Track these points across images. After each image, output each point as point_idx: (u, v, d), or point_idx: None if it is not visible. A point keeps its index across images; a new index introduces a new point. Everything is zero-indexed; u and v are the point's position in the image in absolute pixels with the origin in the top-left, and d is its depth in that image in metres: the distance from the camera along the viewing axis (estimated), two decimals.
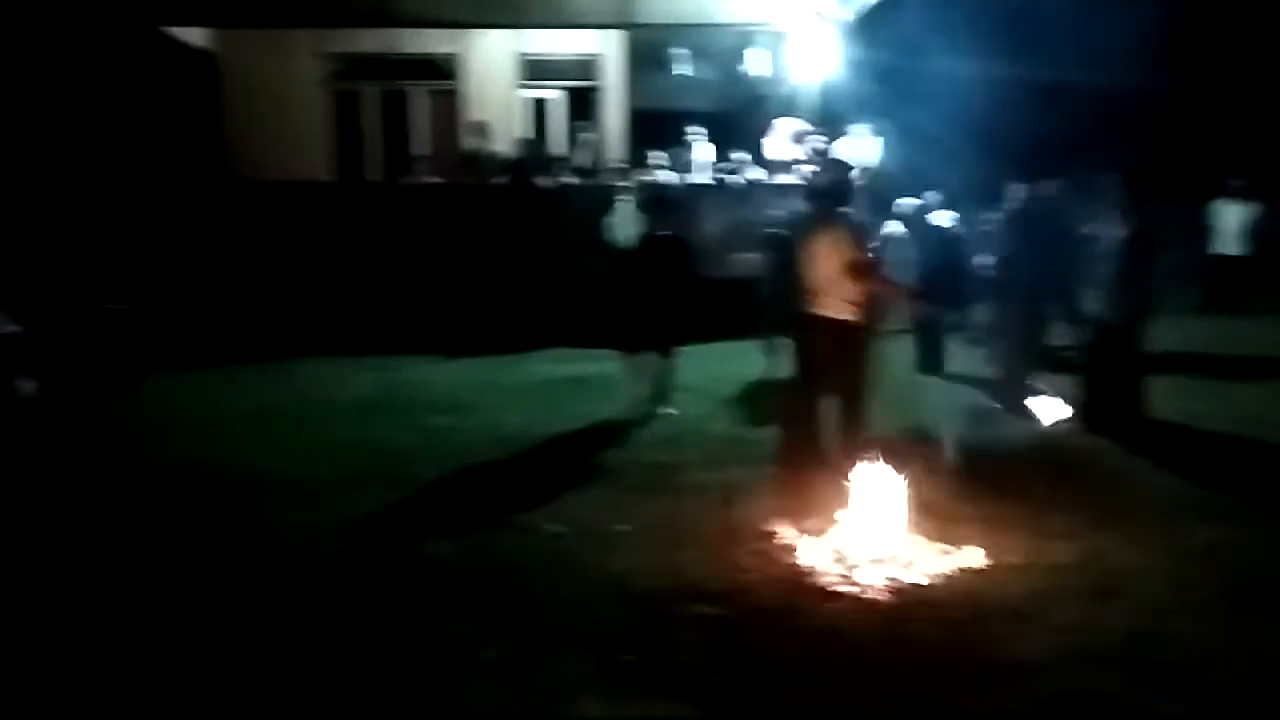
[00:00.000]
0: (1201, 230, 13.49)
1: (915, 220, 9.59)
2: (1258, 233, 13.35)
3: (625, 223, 11.12)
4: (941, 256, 9.19)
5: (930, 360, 9.23)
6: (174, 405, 8.45)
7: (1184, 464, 6.30)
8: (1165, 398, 7.38)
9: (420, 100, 13.53)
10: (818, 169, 6.34)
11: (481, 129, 12.31)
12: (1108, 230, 6.92)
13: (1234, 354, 10.22)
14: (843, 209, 5.82)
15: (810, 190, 5.83)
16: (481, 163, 11.99)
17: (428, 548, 5.12)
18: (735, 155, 12.34)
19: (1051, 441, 6.82)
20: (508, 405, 8.39)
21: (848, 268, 5.53)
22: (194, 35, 12.92)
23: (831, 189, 5.80)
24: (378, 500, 5.88)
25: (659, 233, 8.09)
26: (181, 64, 12.79)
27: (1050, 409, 7.45)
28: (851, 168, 6.29)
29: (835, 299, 5.57)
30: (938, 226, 9.79)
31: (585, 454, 6.84)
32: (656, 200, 8.45)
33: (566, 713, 3.59)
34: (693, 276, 8.02)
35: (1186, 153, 12.16)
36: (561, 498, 5.85)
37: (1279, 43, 15.81)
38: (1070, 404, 7.33)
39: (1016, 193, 8.01)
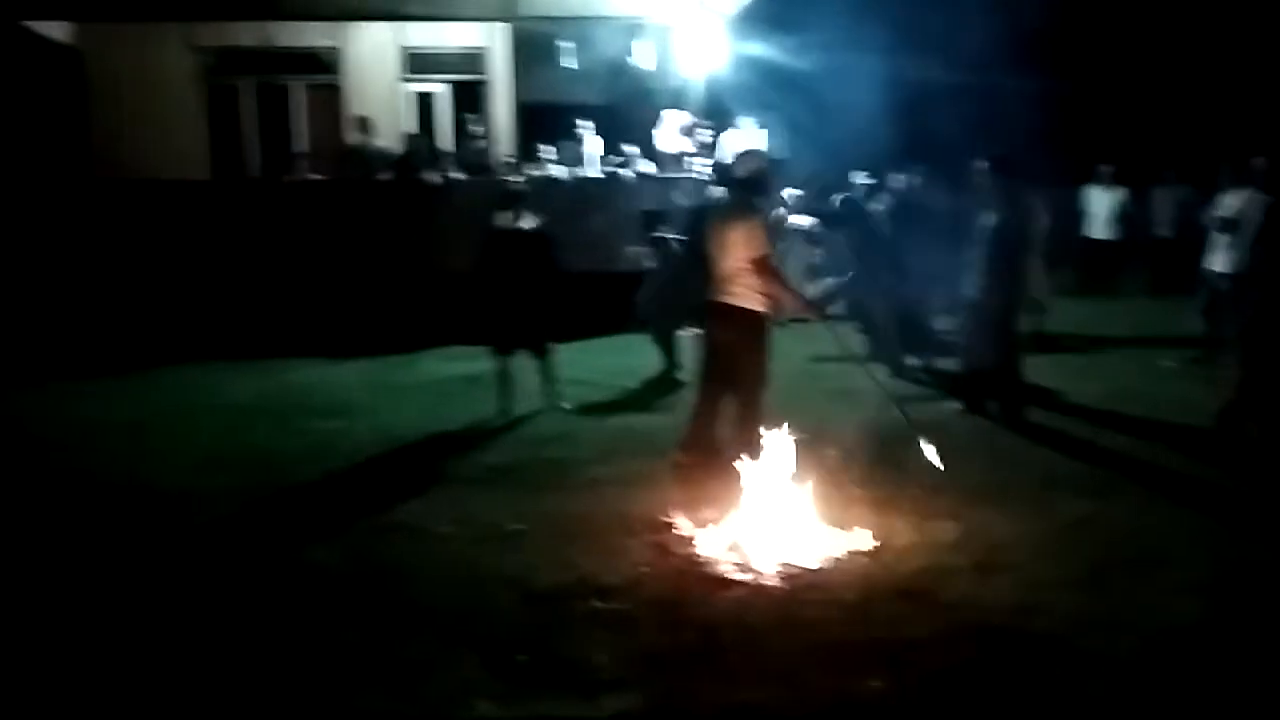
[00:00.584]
0: (1074, 215, 14.04)
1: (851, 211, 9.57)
2: (1126, 217, 13.98)
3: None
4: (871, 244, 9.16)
5: (879, 348, 9.15)
6: (41, 418, 8.02)
7: (1060, 440, 6.55)
8: (1041, 377, 7.65)
9: (300, 95, 13.14)
10: (738, 157, 6.24)
11: (364, 124, 12.02)
12: (980, 216, 7.14)
13: (1105, 333, 10.71)
14: (759, 200, 5.87)
15: (727, 178, 5.83)
16: (365, 158, 11.71)
17: (313, 556, 4.96)
18: (625, 148, 12.34)
19: (935, 423, 6.97)
20: (398, 406, 8.21)
21: (757, 261, 5.55)
22: (58, 31, 12.29)
23: (751, 179, 5.78)
24: (258, 510, 5.68)
25: (517, 227, 7.72)
26: (45, 61, 12.15)
27: (933, 393, 7.66)
28: (768, 159, 6.30)
29: (744, 288, 5.56)
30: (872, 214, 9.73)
31: (479, 453, 6.73)
32: (512, 193, 8.05)
33: (461, 718, 3.51)
34: (556, 272, 7.76)
35: (1059, 141, 12.61)
36: (453, 498, 5.75)
37: (1147, 40, 16.55)
38: (953, 386, 7.55)
39: (891, 181, 8.22)
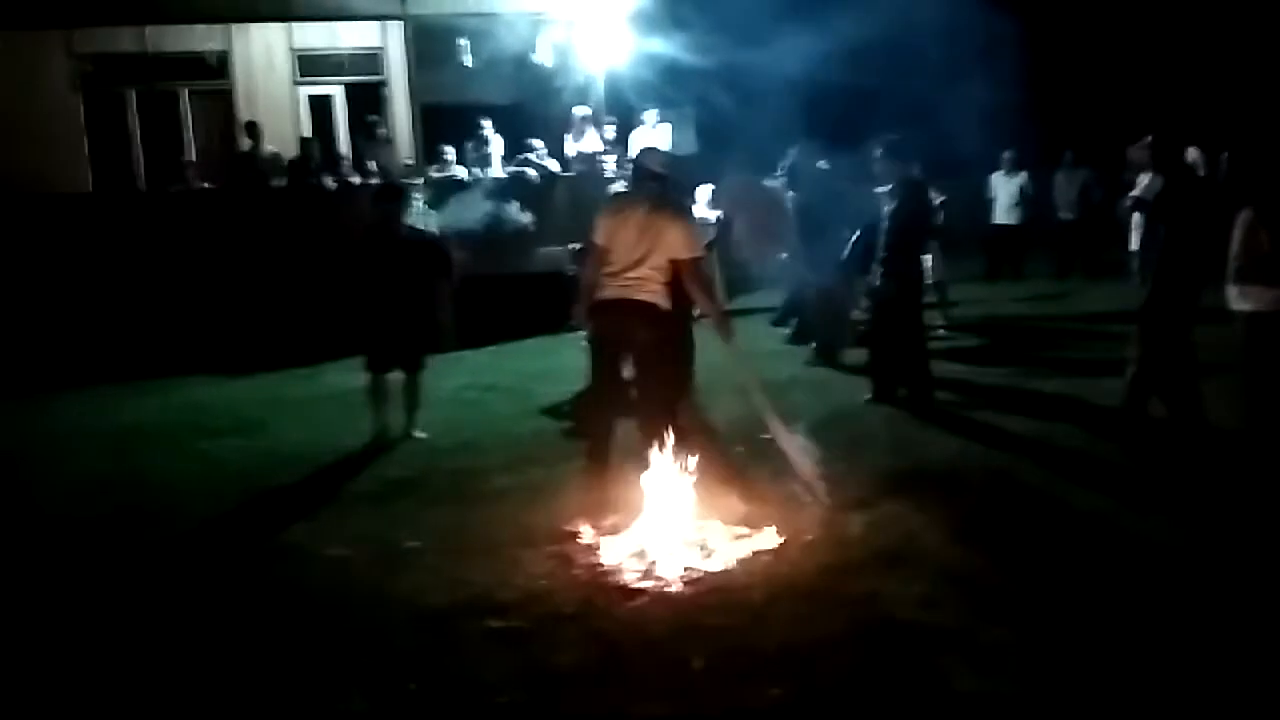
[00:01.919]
0: (980, 202, 14.22)
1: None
2: (1028, 201, 14.19)
3: (420, 215, 10.77)
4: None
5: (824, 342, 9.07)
6: None
7: (967, 426, 6.53)
8: (951, 362, 7.65)
9: (187, 101, 12.62)
10: (646, 152, 6.03)
11: (252, 129, 11.59)
12: (881, 203, 7.11)
13: (1010, 316, 10.84)
14: (679, 196, 5.69)
15: (645, 172, 5.54)
16: (256, 165, 11.29)
17: (194, 582, 4.67)
18: (532, 147, 12.12)
19: (845, 413, 6.92)
20: (296, 422, 7.88)
21: (688, 263, 5.34)
22: None
23: (665, 174, 5.59)
24: (140, 536, 5.35)
25: (396, 229, 7.04)
26: None
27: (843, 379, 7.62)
28: (677, 158, 6.14)
29: (661, 286, 5.37)
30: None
31: (378, 467, 6.46)
32: (388, 190, 7.42)
33: None
34: (438, 279, 7.23)
35: (964, 129, 12.74)
36: (348, 517, 5.49)
37: (1047, 25, 16.84)
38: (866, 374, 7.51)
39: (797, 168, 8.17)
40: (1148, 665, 3.50)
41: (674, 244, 5.29)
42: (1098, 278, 13.20)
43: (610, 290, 5.35)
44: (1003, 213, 14.19)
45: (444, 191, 11.46)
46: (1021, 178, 14.17)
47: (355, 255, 7.13)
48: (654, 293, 5.32)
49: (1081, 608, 3.91)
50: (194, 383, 9.45)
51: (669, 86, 13.69)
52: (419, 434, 7.03)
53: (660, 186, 5.48)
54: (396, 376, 7.03)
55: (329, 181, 11.19)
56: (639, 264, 5.27)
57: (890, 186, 7.05)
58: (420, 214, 10.70)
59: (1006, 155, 14.21)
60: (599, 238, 5.38)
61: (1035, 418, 6.69)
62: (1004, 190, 14.23)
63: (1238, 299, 5.10)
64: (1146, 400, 6.32)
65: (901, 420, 6.74)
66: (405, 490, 5.92)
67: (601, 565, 4.56)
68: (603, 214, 5.44)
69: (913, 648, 3.66)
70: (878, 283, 7.07)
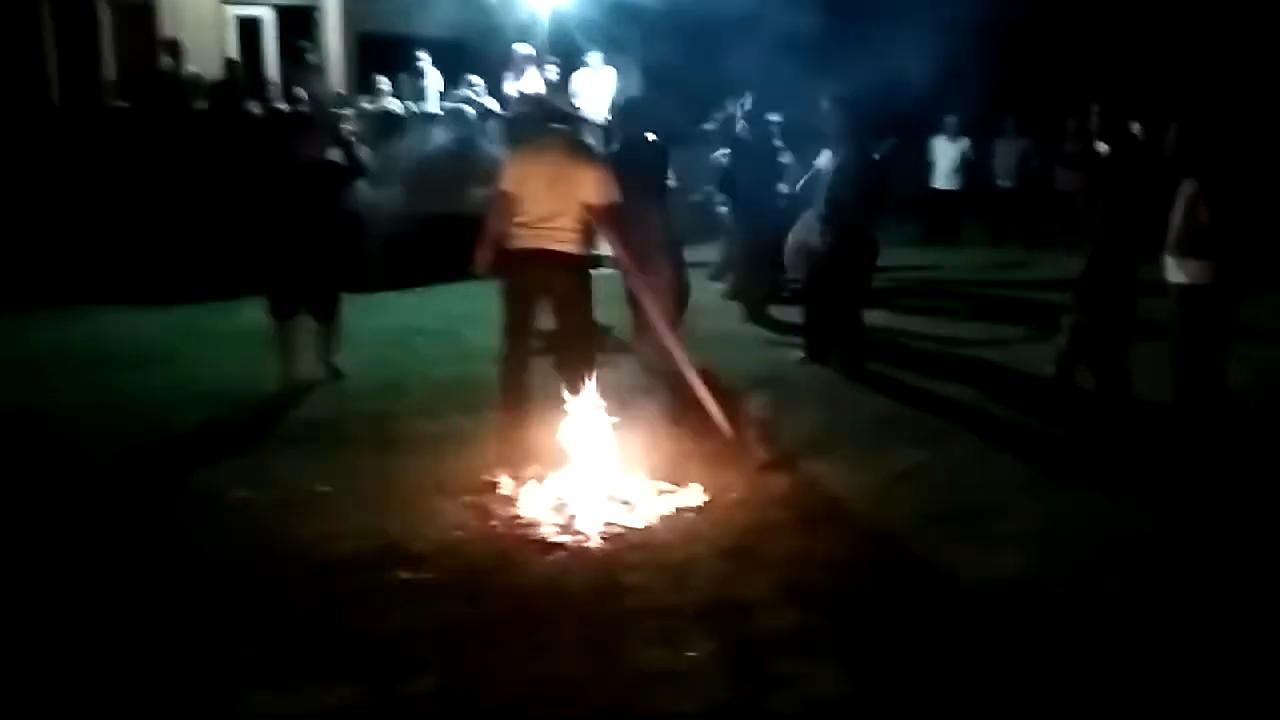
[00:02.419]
0: (921, 165, 14.18)
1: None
2: (968, 167, 14.20)
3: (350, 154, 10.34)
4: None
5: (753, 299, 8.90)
6: None
7: (898, 389, 6.48)
8: (884, 325, 7.59)
9: (107, 15, 11.92)
10: (554, 92, 5.86)
11: (174, 48, 10.99)
12: (824, 160, 6.97)
13: (947, 280, 10.84)
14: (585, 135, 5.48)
15: (555, 113, 5.33)
16: (179, 85, 10.72)
17: (85, 525, 4.41)
18: (471, 84, 11.72)
19: (775, 371, 6.82)
20: (208, 357, 7.53)
21: (604, 210, 5.15)
22: None
23: (575, 115, 5.40)
24: (31, 476, 5.04)
25: (305, 160, 6.40)
26: None
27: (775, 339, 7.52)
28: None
29: (575, 233, 5.18)
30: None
31: (292, 408, 6.19)
32: (297, 119, 7.09)
33: (232, 710, 3.10)
34: (347, 216, 6.82)
35: (907, 89, 12.62)
36: (257, 459, 5.24)
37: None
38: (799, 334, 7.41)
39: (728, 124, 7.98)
40: (1064, 633, 3.46)
41: (588, 189, 5.10)
42: (1034, 247, 13.30)
43: (524, 240, 5.17)
44: (943, 178, 14.18)
45: (377, 124, 11.01)
46: (963, 143, 14.16)
47: (259, 188, 6.66)
48: (571, 241, 5.16)
49: (997, 576, 3.85)
50: (102, 312, 8.99)
51: (616, 28, 13.35)
52: (339, 369, 6.70)
53: (572, 128, 5.29)
54: (309, 323, 6.66)
55: (254, 107, 10.67)
56: (551, 211, 5.09)
57: (836, 141, 6.90)
58: (351, 146, 10.29)
59: (949, 120, 14.18)
60: (507, 184, 5.17)
61: (966, 384, 6.64)
62: (945, 155, 14.21)
63: (1174, 271, 5.07)
64: (1075, 370, 6.33)
65: (832, 381, 6.66)
66: (319, 433, 5.68)
67: (519, 518, 4.40)
68: (511, 160, 5.22)
69: (830, 612, 3.57)
70: (815, 239, 6.94)
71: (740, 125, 9.16)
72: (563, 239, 5.15)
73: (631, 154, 6.41)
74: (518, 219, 5.15)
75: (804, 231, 7.04)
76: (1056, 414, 5.98)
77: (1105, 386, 6.18)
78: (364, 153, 10.28)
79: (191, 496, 4.75)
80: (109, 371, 7.10)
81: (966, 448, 5.32)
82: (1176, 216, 5.00)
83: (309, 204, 6.30)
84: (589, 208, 5.13)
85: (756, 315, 8.67)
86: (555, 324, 5.34)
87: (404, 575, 3.89)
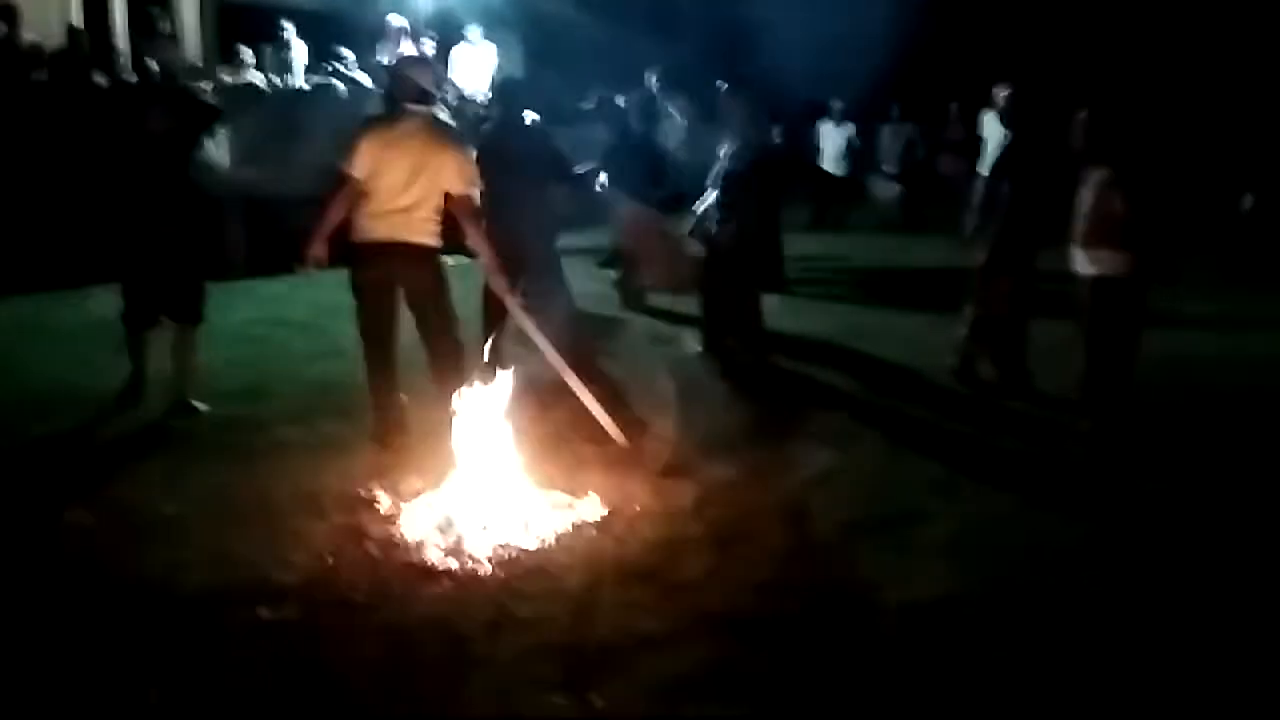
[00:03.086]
0: (810, 151, 14.06)
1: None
2: (853, 154, 14.15)
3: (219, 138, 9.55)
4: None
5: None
6: None
7: (800, 385, 6.23)
8: (778, 316, 7.33)
9: None
10: (412, 62, 5.32)
11: (10, 13, 9.94)
12: (720, 148, 6.65)
13: (838, 268, 10.70)
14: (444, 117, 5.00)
15: (411, 89, 4.78)
16: (15, 54, 9.69)
17: None
18: (341, 57, 11.00)
19: (672, 366, 6.47)
20: (49, 355, 6.77)
21: (462, 199, 4.72)
22: None
23: (433, 92, 4.91)
24: None
25: (152, 136, 5.38)
26: None
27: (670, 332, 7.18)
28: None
29: (427, 221, 4.75)
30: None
31: (140, 415, 5.52)
32: (144, 92, 6.03)
33: None
34: (204, 197, 5.92)
35: (796, 75, 12.46)
36: (98, 474, 4.64)
37: None
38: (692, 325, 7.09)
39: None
40: (1003, 651, 3.22)
41: (449, 176, 4.70)
42: (914, 231, 13.35)
43: (376, 230, 4.71)
44: (829, 163, 14.10)
45: (237, 99, 10.20)
46: (849, 129, 14.10)
47: (103, 168, 5.71)
48: (428, 233, 4.76)
49: (928, 592, 3.59)
50: None
51: (497, 2, 12.77)
52: (200, 406, 5.55)
53: (429, 107, 4.82)
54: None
55: (100, 79, 9.73)
56: (410, 199, 4.66)
57: (731, 123, 6.58)
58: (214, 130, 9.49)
59: (836, 105, 14.09)
60: (356, 169, 4.68)
61: (869, 377, 6.44)
62: (831, 141, 14.13)
63: (1084, 262, 4.92)
64: (977, 361, 6.20)
65: (732, 375, 6.36)
66: (169, 443, 5.08)
67: (398, 540, 3.94)
68: (360, 141, 4.70)
69: (750, 644, 3.24)
70: (714, 229, 6.61)
71: (629, 106, 8.81)
72: (418, 229, 4.73)
73: (503, 138, 5.94)
74: (368, 207, 4.69)
75: (701, 218, 6.70)
76: (962, 408, 5.82)
77: (1007, 378, 6.06)
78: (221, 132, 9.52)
79: (23, 521, 4.13)
80: None
81: (876, 447, 5.08)
82: (1085, 206, 4.84)
83: (158, 186, 5.37)
84: (449, 197, 4.72)
85: (636, 304, 8.30)
86: (415, 322, 4.91)
87: (264, 614, 3.40)
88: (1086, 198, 4.83)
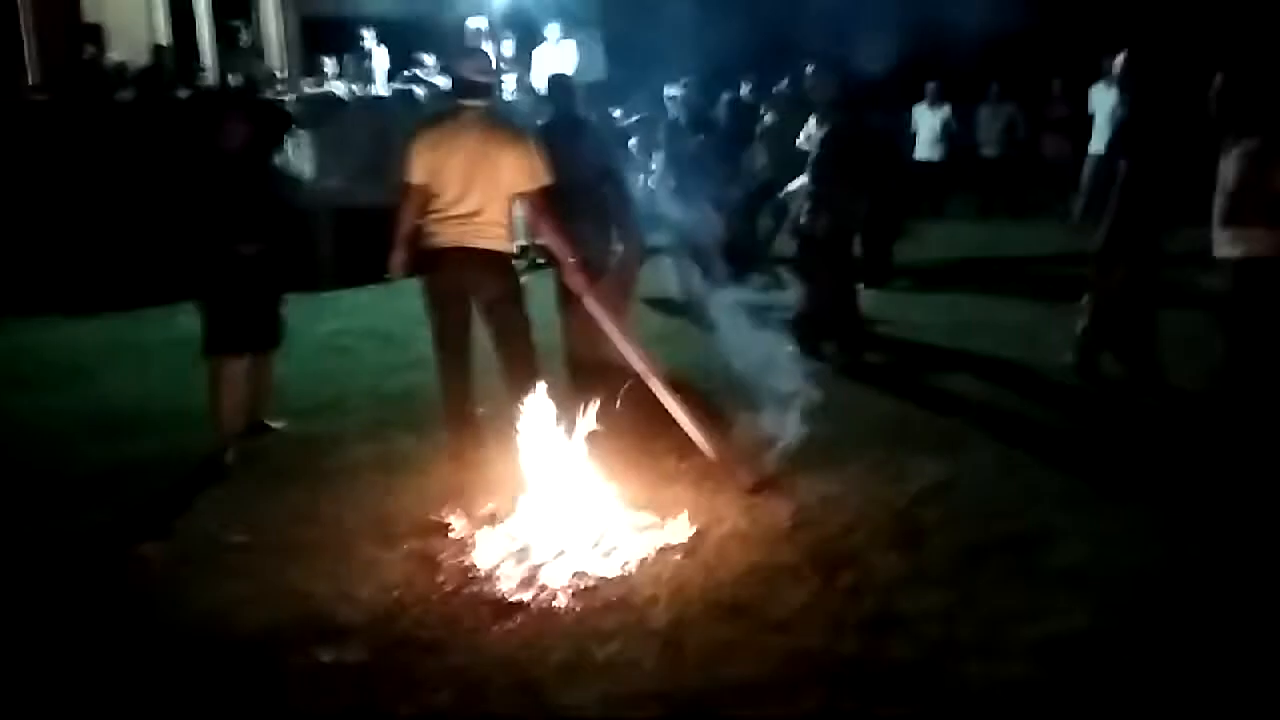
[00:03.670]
0: (904, 136, 13.43)
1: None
2: (950, 136, 13.48)
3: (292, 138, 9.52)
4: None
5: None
6: None
7: (903, 387, 5.76)
8: (880, 310, 6.87)
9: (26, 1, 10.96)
10: (470, 56, 5.01)
11: (95, 33, 10.08)
12: (811, 133, 6.24)
13: (938, 259, 10.12)
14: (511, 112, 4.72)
15: (466, 85, 4.51)
16: (102, 74, 9.82)
17: None
18: (421, 62, 10.88)
19: (762, 370, 6.06)
20: (132, 374, 6.75)
21: (534, 196, 4.44)
22: None
23: (491, 84, 4.64)
24: None
25: (235, 150, 4.96)
26: None
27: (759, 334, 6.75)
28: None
29: (502, 227, 4.47)
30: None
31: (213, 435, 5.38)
32: (227, 100, 5.59)
33: None
34: (290, 209, 5.59)
35: (889, 56, 11.88)
36: (169, 502, 4.47)
37: None
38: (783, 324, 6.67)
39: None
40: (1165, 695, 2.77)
41: (514, 174, 4.39)
42: (1021, 217, 12.64)
43: (443, 236, 4.45)
44: (924, 147, 13.44)
45: (319, 109, 10.16)
46: (945, 111, 13.44)
47: (182, 187, 5.15)
48: (497, 237, 4.47)
49: (1065, 632, 3.13)
50: (25, 325, 8.12)
51: (576, 1, 12.51)
52: (274, 423, 5.37)
53: (489, 101, 4.51)
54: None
55: (181, 94, 9.77)
56: (474, 201, 4.38)
57: (823, 110, 6.16)
58: (291, 135, 9.47)
59: (931, 86, 13.44)
60: (415, 175, 4.43)
61: (977, 377, 5.91)
62: (926, 124, 13.49)
63: (1229, 243, 4.37)
64: (1098, 356, 5.66)
65: (828, 380, 5.93)
66: (241, 464, 4.89)
67: (472, 570, 3.65)
68: (414, 144, 4.44)
69: (860, 697, 2.84)
70: (803, 219, 6.20)
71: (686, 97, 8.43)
72: (486, 234, 4.45)
73: (565, 129, 5.60)
74: (433, 212, 4.44)
75: (789, 206, 6.30)
76: (1086, 408, 5.29)
77: (1135, 373, 5.51)
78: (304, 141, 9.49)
79: (82, 550, 3.98)
80: (17, 393, 6.32)
81: (992, 456, 4.59)
82: (1229, 181, 4.29)
83: (237, 200, 4.97)
84: (517, 195, 4.43)
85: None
86: (488, 333, 4.63)
87: (324, 656, 3.14)
88: (1231, 171, 4.28)
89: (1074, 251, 9.02)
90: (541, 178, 4.44)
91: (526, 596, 3.44)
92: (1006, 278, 9.16)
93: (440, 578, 3.62)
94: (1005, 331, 6.90)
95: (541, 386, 4.29)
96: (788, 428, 4.59)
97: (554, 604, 3.40)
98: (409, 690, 2.96)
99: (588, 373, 5.04)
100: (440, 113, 4.72)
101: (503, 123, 4.51)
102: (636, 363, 4.53)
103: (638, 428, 4.50)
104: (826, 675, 2.89)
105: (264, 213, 5.01)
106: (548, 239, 4.66)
